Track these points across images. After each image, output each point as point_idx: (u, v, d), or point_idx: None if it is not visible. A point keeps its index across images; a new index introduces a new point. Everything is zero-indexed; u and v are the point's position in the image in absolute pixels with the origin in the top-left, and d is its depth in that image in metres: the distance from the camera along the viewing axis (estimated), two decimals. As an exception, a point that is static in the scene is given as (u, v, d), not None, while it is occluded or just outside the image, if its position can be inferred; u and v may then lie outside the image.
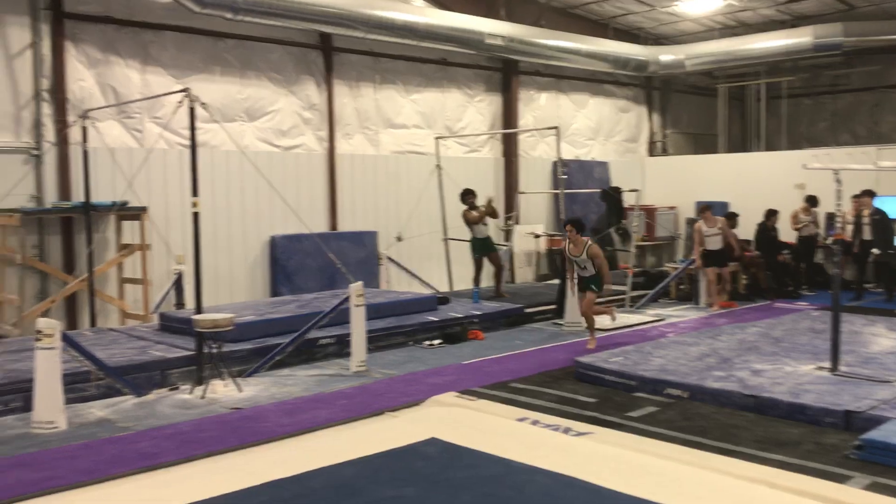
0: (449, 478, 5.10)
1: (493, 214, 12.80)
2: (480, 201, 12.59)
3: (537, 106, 16.66)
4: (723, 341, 9.02)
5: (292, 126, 13.04)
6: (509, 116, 16.00)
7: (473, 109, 15.61)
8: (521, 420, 6.38)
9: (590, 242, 9.50)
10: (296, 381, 8.21)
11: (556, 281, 12.25)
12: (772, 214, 13.89)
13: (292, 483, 5.05)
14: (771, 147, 18.32)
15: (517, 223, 15.03)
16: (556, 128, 12.37)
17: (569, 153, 16.48)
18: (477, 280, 12.67)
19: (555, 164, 15.87)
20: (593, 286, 9.57)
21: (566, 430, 6.08)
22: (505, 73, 15.95)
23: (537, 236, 15.77)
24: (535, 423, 6.29)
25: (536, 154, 16.64)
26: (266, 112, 12.71)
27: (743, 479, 5.02)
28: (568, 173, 13.71)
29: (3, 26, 10.30)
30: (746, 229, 14.05)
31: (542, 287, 14.05)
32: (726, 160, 17.84)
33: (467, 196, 12.43)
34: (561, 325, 11.03)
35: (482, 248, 12.54)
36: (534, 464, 5.26)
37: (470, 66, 15.40)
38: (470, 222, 12.41)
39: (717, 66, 17.47)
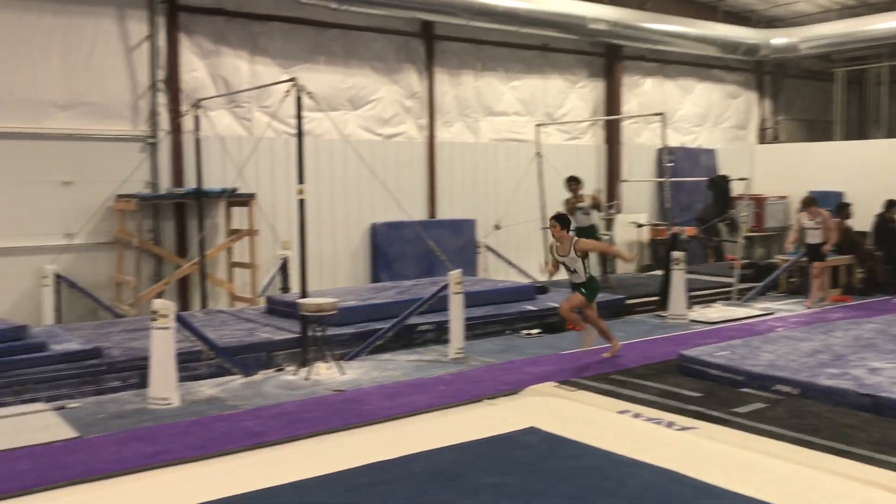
0: (549, 467, 5.05)
1: (598, 206, 12.48)
2: (586, 190, 12.34)
3: (642, 91, 16.29)
4: (837, 337, 8.59)
5: (393, 114, 13.20)
6: (612, 102, 15.70)
7: (575, 96, 15.40)
8: (622, 412, 6.26)
9: (576, 239, 8.32)
10: (395, 366, 8.32)
11: (659, 272, 11.96)
12: (892, 205, 13.13)
13: (394, 466, 5.12)
14: (893, 134, 17.33)
15: (619, 212, 14.75)
16: (661, 114, 12.04)
17: (674, 140, 16.05)
18: (578, 269, 12.44)
19: (659, 151, 15.49)
20: (583, 289, 8.26)
21: (669, 425, 5.93)
22: (608, 59, 15.65)
23: (640, 226, 15.45)
24: (636, 416, 6.17)
25: (640, 141, 16.27)
26: (368, 101, 12.90)
27: (857, 482, 4.77)
28: (674, 161, 13.34)
29: (122, 20, 10.80)
30: (863, 221, 13.34)
31: (644, 278, 13.75)
32: (842, 148, 16.99)
33: (571, 183, 12.18)
34: (664, 317, 10.78)
35: (586, 238, 12.25)
36: (636, 457, 5.16)
37: (572, 52, 15.19)
38: (571, 211, 12.19)
39: (835, 48, 16.65)
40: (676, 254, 10.97)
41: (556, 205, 12.59)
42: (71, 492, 4.79)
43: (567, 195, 12.18)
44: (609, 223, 14.52)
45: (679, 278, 10.84)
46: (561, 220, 8.31)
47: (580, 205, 11.94)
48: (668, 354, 8.30)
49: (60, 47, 10.38)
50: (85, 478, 4.97)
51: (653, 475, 4.89)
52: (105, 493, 4.79)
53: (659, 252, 14.51)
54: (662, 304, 11.09)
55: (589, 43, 15.10)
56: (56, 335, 8.13)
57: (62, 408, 6.73)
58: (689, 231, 14.48)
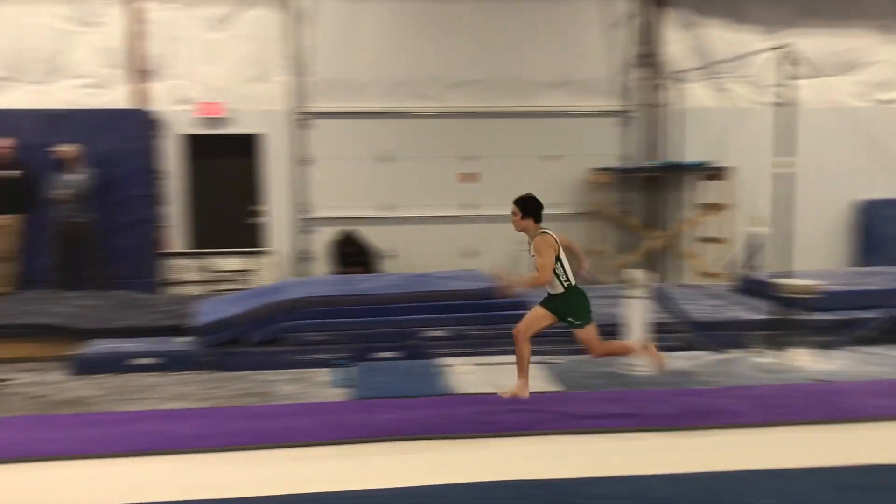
0: None
1: None
2: None
3: None
4: None
5: (893, 77, 11.68)
6: None
7: None
8: None
9: (541, 231, 5.77)
10: (884, 361, 7.44)
11: None
12: None
13: (892, 471, 4.57)
14: None
15: None
16: None
17: None
18: None
19: None
20: (552, 305, 6.00)
21: None
22: None
23: None
24: None
25: None
26: (863, 63, 11.63)
27: None
28: None
29: (604, 2, 11.25)
30: None
31: None
32: None
33: None
34: None
35: None
36: None
37: None
38: None
39: None
40: None
41: None
42: (554, 440, 5.17)
43: None
44: None
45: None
46: (524, 205, 5.75)
47: None
48: None
49: (548, 31, 11.22)
50: (567, 429, 5.33)
51: None
52: (587, 447, 5.05)
53: None
54: None
55: None
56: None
57: (549, 363, 7.32)
58: None
